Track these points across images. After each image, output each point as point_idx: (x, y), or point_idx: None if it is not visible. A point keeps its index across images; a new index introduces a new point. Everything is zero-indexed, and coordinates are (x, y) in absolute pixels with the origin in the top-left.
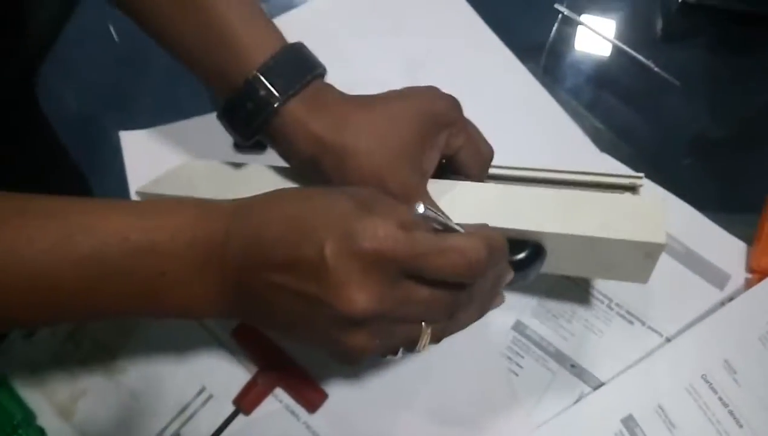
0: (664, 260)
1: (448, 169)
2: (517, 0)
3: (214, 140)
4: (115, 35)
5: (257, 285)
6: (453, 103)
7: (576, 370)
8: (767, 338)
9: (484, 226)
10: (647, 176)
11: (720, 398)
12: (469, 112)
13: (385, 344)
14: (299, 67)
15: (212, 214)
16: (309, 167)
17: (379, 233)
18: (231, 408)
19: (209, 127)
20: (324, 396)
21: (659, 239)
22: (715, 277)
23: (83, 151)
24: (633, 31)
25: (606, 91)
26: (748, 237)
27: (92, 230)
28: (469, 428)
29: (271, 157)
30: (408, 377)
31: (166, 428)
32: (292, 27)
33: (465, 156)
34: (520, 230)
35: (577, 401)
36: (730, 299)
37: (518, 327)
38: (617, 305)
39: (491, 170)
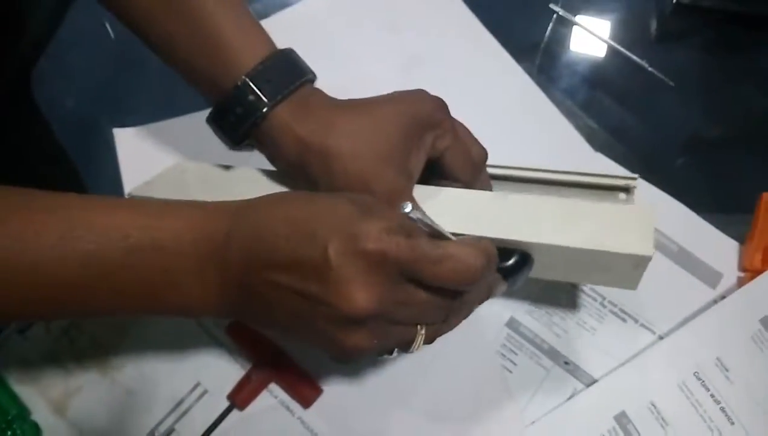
0: (658, 259)
1: (438, 174)
2: (513, 0)
3: (207, 137)
4: (111, 33)
5: (259, 284)
6: (439, 105)
7: (569, 367)
8: (759, 336)
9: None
10: (641, 176)
11: (712, 396)
12: (463, 111)
13: (382, 344)
14: (288, 72)
15: (215, 214)
16: (296, 171)
17: (383, 235)
18: (225, 403)
19: (203, 124)
20: (318, 391)
21: (647, 251)
22: (708, 275)
23: (79, 149)
24: (627, 32)
25: (600, 91)
26: (740, 236)
27: (95, 227)
28: (463, 424)
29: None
30: (402, 373)
31: (160, 423)
32: (287, 25)
33: (452, 158)
34: (507, 240)
35: (570, 397)
36: (723, 297)
37: (512, 324)
38: (610, 302)
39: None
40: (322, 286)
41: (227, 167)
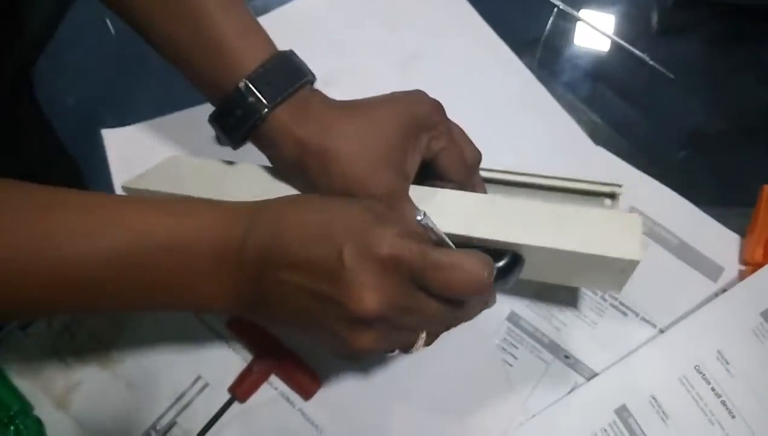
0: (659, 252)
1: (432, 175)
2: None
3: (195, 134)
4: (112, 30)
5: (272, 284)
6: (435, 106)
7: (570, 361)
8: (760, 329)
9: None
10: (642, 169)
11: (713, 389)
12: (464, 107)
13: (386, 345)
14: (288, 75)
15: (232, 216)
16: (295, 171)
17: (397, 240)
18: (227, 396)
19: (192, 121)
20: (319, 383)
21: (634, 255)
22: (709, 269)
23: (80, 147)
24: (629, 25)
25: (602, 85)
26: (741, 229)
27: (125, 226)
28: (463, 417)
29: (251, 151)
30: (403, 366)
31: (162, 416)
32: (287, 21)
33: (447, 159)
34: (499, 241)
35: (571, 391)
36: (724, 290)
37: (512, 318)
38: (611, 296)
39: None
40: (334, 286)
41: (221, 161)
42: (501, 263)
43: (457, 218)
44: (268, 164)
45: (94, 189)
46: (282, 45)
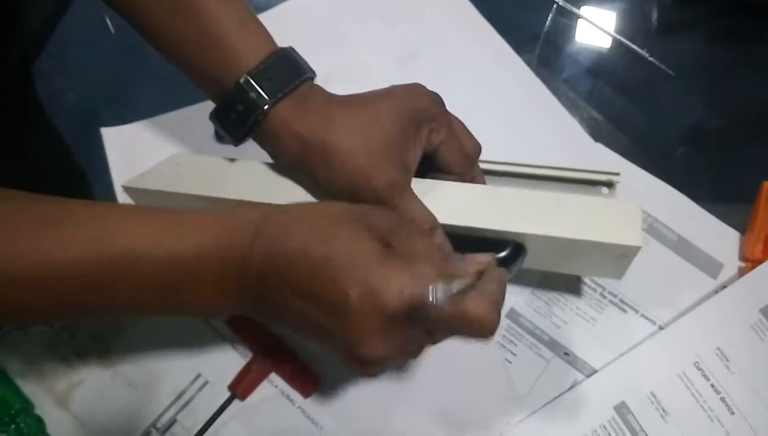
0: (658, 249)
1: (432, 168)
2: None
3: (196, 132)
4: (111, 27)
5: (277, 301)
6: (435, 99)
7: (569, 357)
8: (759, 325)
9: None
10: (641, 165)
11: (712, 386)
12: (463, 103)
13: (388, 369)
14: (288, 71)
15: (236, 231)
16: (296, 166)
17: (402, 290)
18: (227, 394)
19: (191, 119)
20: (318, 381)
21: (635, 241)
22: (709, 265)
23: (81, 144)
24: (629, 22)
25: (602, 82)
26: (741, 226)
27: (123, 237)
28: (463, 414)
29: (251, 148)
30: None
31: (162, 414)
32: (287, 17)
33: (447, 152)
34: (502, 231)
35: (570, 388)
36: (723, 287)
37: (512, 315)
38: (610, 293)
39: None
40: (339, 326)
41: (222, 158)
42: (503, 254)
43: (458, 209)
44: (270, 160)
45: (98, 185)
46: (283, 42)
